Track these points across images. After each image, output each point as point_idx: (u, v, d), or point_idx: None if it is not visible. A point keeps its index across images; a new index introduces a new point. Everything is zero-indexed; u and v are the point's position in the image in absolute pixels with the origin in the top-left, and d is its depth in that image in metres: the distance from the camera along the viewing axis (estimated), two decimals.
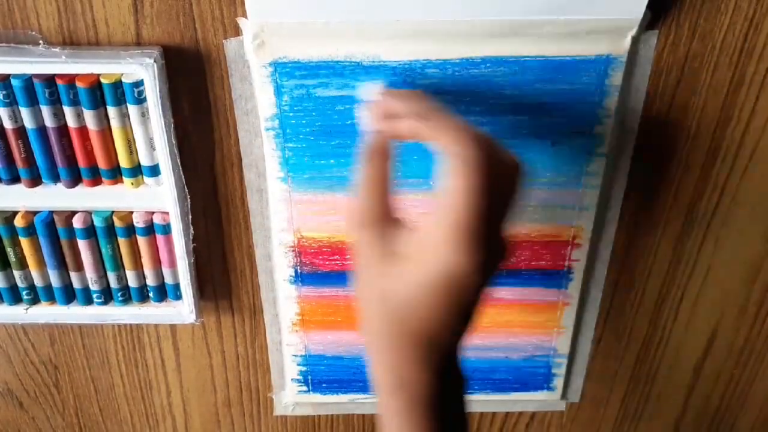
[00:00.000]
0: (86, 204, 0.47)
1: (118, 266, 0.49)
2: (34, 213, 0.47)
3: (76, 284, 0.50)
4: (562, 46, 0.41)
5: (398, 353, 0.35)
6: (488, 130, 0.44)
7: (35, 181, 0.45)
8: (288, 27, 0.40)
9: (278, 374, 0.56)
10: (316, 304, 0.52)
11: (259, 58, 0.41)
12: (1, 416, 0.61)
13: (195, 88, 0.44)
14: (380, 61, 0.42)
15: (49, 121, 0.42)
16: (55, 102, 0.42)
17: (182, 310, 0.50)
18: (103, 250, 0.48)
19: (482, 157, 0.32)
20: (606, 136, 0.45)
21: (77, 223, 0.47)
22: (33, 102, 0.42)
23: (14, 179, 0.45)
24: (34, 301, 0.51)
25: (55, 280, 0.49)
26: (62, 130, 0.43)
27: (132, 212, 0.47)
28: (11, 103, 0.42)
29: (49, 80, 0.41)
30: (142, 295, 0.50)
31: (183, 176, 0.45)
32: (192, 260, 0.48)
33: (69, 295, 0.50)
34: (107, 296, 0.50)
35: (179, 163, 0.45)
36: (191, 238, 0.47)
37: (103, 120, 0.43)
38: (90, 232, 0.47)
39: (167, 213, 0.46)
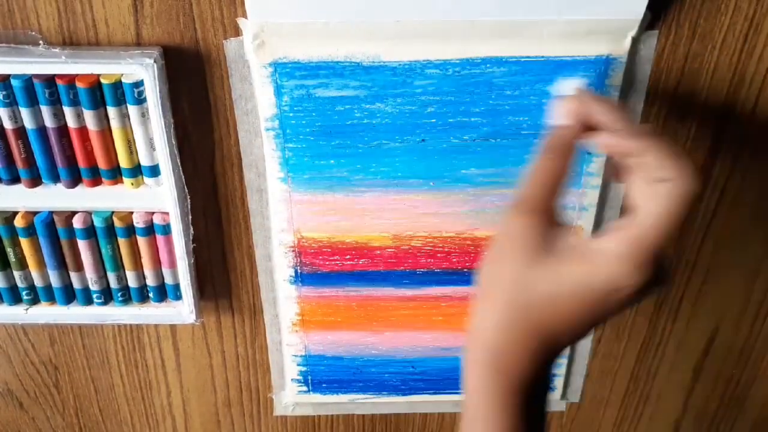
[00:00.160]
0: (86, 204, 0.47)
1: (118, 266, 0.49)
2: (34, 213, 0.47)
3: (76, 284, 0.50)
4: (562, 46, 0.41)
5: (513, 342, 0.35)
6: (488, 130, 0.44)
7: (35, 181, 0.45)
8: (288, 27, 0.40)
9: (278, 374, 0.56)
10: (316, 304, 0.52)
11: (259, 58, 0.41)
12: (1, 416, 0.61)
13: (195, 88, 0.44)
14: (380, 61, 0.42)
15: (49, 122, 0.42)
16: (55, 102, 0.42)
17: (182, 310, 0.50)
18: (103, 251, 0.48)
19: (696, 192, 0.33)
20: None
21: (77, 223, 0.47)
22: (33, 102, 0.42)
23: (14, 179, 0.45)
24: (34, 301, 0.51)
25: (55, 281, 0.49)
26: (62, 130, 0.43)
27: (132, 212, 0.47)
28: (11, 103, 0.42)
29: (49, 80, 0.41)
30: (142, 295, 0.50)
31: (183, 176, 0.45)
32: (192, 260, 0.48)
33: (69, 295, 0.50)
34: (107, 296, 0.50)
35: (179, 163, 0.45)
36: (191, 238, 0.47)
37: (103, 120, 0.43)
38: (90, 232, 0.47)
39: (167, 213, 0.46)
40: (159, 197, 0.46)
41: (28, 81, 0.41)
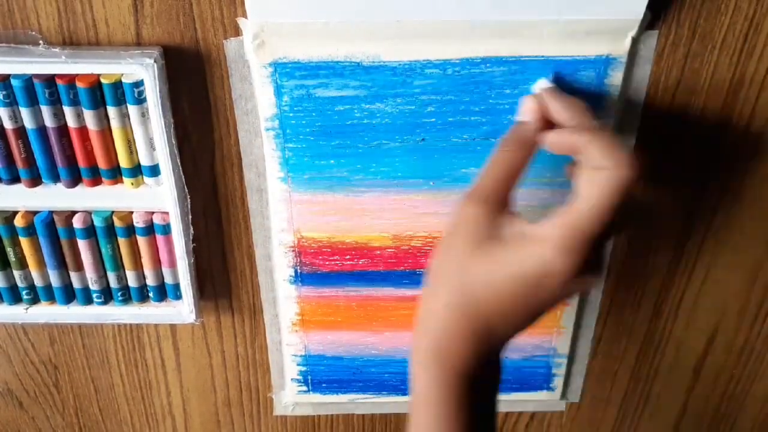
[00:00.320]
0: (86, 204, 0.47)
1: (118, 266, 0.49)
2: (34, 213, 0.47)
3: (76, 284, 0.50)
4: (562, 46, 0.41)
5: (453, 324, 0.36)
6: (488, 130, 0.44)
7: (35, 181, 0.45)
8: (288, 27, 0.40)
9: (278, 374, 0.56)
10: (316, 304, 0.52)
11: (259, 58, 0.41)
12: (1, 416, 0.61)
13: (195, 88, 0.44)
14: (380, 61, 0.42)
15: (49, 121, 0.42)
16: (55, 102, 0.42)
17: (182, 310, 0.50)
18: (103, 250, 0.48)
19: (633, 182, 0.33)
20: None
21: (77, 223, 0.47)
22: (33, 102, 0.42)
23: (14, 179, 0.45)
24: (34, 301, 0.51)
25: (55, 280, 0.49)
26: (62, 130, 0.43)
27: (132, 212, 0.47)
28: (11, 103, 0.42)
29: (49, 80, 0.41)
30: (142, 295, 0.50)
31: (183, 176, 0.45)
32: (192, 260, 0.48)
33: (69, 295, 0.50)
34: (107, 296, 0.50)
35: (179, 163, 0.45)
36: (191, 238, 0.47)
37: (103, 120, 0.43)
38: (90, 232, 0.47)
39: (167, 213, 0.46)
40: (159, 197, 0.46)
41: (28, 81, 0.41)
